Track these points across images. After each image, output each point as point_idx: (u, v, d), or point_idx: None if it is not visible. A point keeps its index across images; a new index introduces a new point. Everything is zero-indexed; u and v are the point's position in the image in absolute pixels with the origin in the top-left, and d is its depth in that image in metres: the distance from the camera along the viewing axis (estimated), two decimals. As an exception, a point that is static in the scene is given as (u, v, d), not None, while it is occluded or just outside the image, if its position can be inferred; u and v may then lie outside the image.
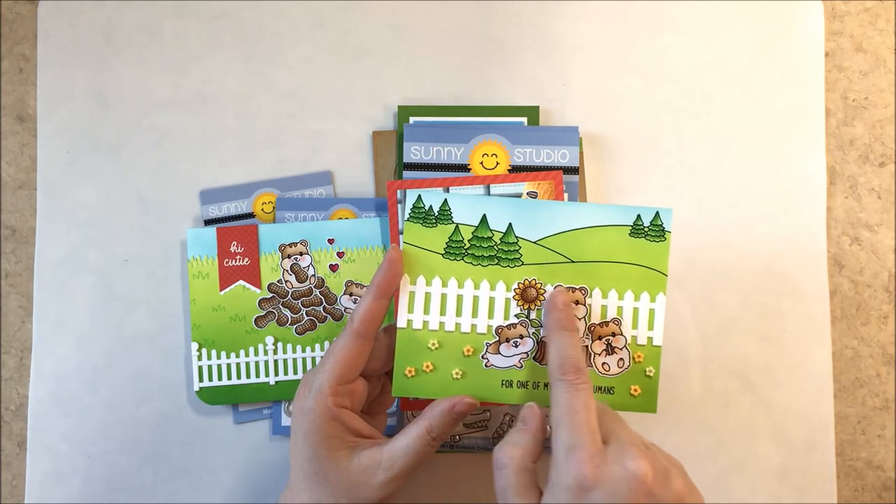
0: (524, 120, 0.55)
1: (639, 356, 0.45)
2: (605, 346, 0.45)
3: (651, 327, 0.45)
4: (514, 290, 0.44)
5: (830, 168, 0.57)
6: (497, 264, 0.45)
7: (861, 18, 0.59)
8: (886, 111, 0.58)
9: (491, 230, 0.45)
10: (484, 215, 0.45)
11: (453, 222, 0.45)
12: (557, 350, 0.41)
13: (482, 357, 0.44)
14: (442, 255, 0.45)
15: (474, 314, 0.44)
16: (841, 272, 0.57)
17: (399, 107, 0.55)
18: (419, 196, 0.45)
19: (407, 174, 0.54)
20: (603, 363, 0.44)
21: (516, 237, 0.45)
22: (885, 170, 0.58)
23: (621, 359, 0.45)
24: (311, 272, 0.53)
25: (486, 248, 0.45)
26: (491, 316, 0.44)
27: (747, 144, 0.57)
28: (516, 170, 0.54)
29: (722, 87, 0.57)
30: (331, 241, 0.54)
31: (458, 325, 0.44)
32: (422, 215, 0.45)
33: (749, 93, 0.57)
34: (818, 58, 0.58)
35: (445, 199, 0.45)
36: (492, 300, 0.45)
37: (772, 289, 0.56)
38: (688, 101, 0.57)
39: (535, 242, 0.45)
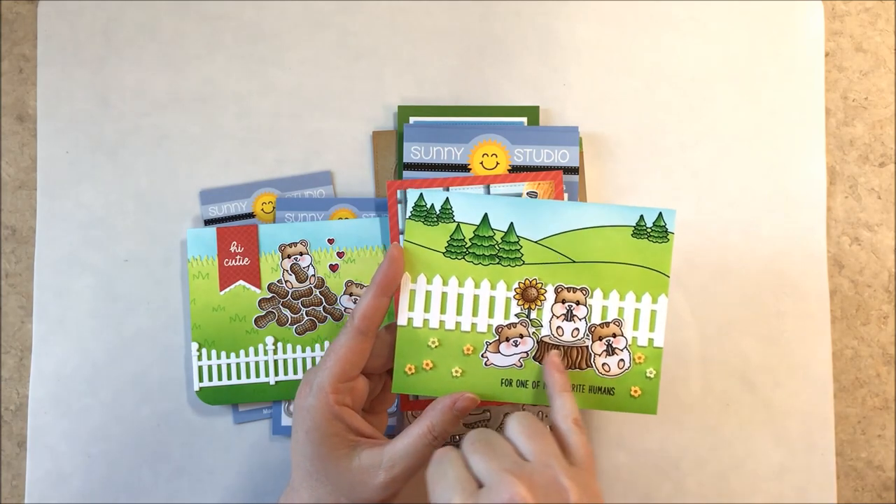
0: (524, 120, 0.55)
1: (640, 357, 0.45)
2: (605, 347, 0.45)
3: (652, 329, 0.45)
4: (515, 289, 0.44)
5: (830, 168, 0.57)
6: (498, 263, 0.45)
7: (861, 18, 0.59)
8: (886, 111, 0.58)
9: (492, 229, 0.45)
10: (485, 214, 0.45)
11: (455, 221, 0.45)
12: (561, 409, 0.42)
13: (482, 356, 0.44)
14: (443, 253, 0.45)
15: (474, 313, 0.45)
16: (841, 272, 0.57)
17: (399, 107, 0.55)
18: (421, 195, 0.45)
19: (407, 174, 0.54)
20: (603, 364, 0.44)
21: (517, 236, 0.45)
22: (885, 170, 0.58)
23: (622, 360, 0.45)
24: (311, 272, 0.53)
25: (487, 248, 0.45)
26: (491, 315, 0.45)
27: (747, 144, 0.57)
28: (516, 170, 0.54)
29: (722, 88, 0.57)
30: (331, 241, 0.54)
31: (458, 323, 0.44)
32: (423, 214, 0.45)
33: (749, 93, 0.57)
34: (818, 58, 0.58)
35: (447, 198, 0.45)
36: (492, 299, 0.45)
37: (772, 289, 0.56)
38: (688, 101, 0.57)
39: (536, 242, 0.45)
